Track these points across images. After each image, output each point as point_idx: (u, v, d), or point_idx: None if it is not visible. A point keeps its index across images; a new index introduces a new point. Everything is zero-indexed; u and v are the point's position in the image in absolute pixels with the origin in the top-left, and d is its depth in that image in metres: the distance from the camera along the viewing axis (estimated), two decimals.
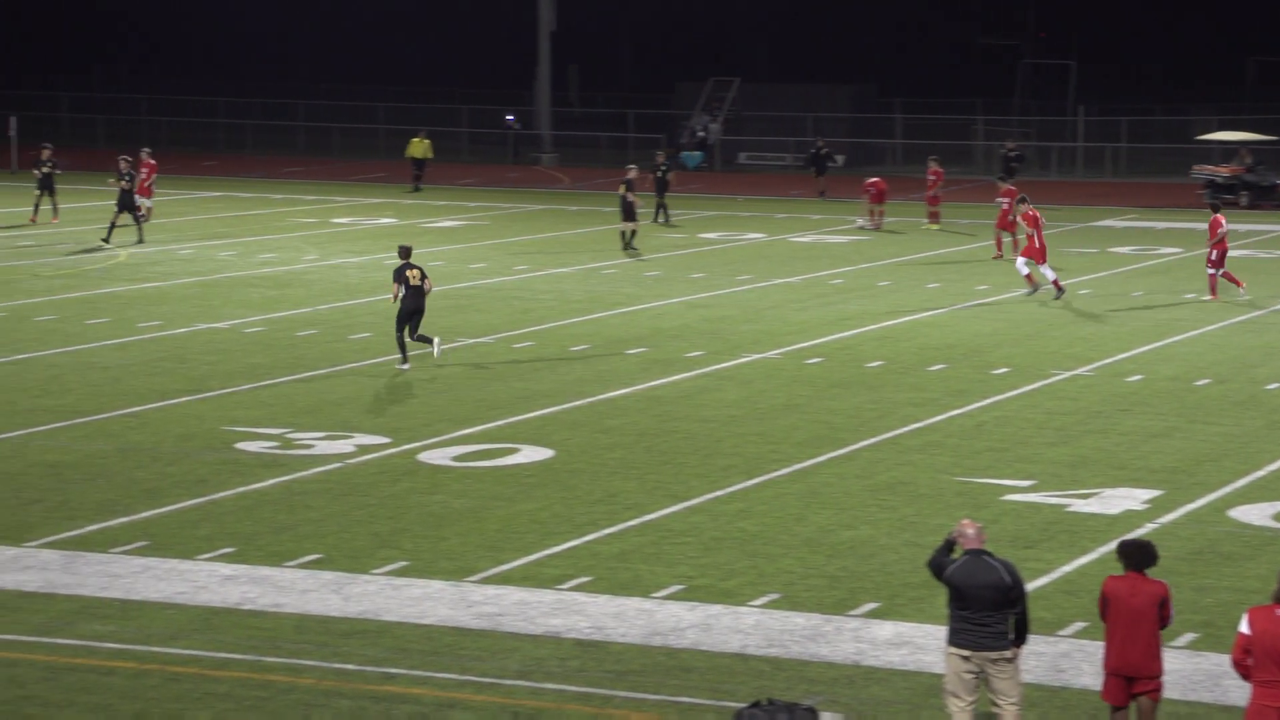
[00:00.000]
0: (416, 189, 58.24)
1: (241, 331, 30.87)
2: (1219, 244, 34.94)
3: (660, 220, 48.31)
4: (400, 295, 26.95)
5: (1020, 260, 35.78)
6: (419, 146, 59.27)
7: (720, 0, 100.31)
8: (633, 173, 43.35)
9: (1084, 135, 69.74)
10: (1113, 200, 57.49)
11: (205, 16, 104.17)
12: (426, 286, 27.09)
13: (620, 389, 26.15)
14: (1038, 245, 35.28)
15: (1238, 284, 35.27)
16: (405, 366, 27.26)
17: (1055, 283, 35.06)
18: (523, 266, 39.80)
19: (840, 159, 70.11)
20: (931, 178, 48.51)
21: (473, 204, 55.23)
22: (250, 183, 60.94)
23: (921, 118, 73.29)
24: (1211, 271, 35.22)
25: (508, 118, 74.06)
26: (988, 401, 25.49)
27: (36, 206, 46.15)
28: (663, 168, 49.39)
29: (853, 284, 37.56)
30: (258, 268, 38.98)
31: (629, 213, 42.35)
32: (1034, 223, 35.29)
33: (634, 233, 42.56)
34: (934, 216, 48.34)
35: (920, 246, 44.81)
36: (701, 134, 69.47)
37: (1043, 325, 32.40)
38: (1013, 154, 56.39)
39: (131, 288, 35.86)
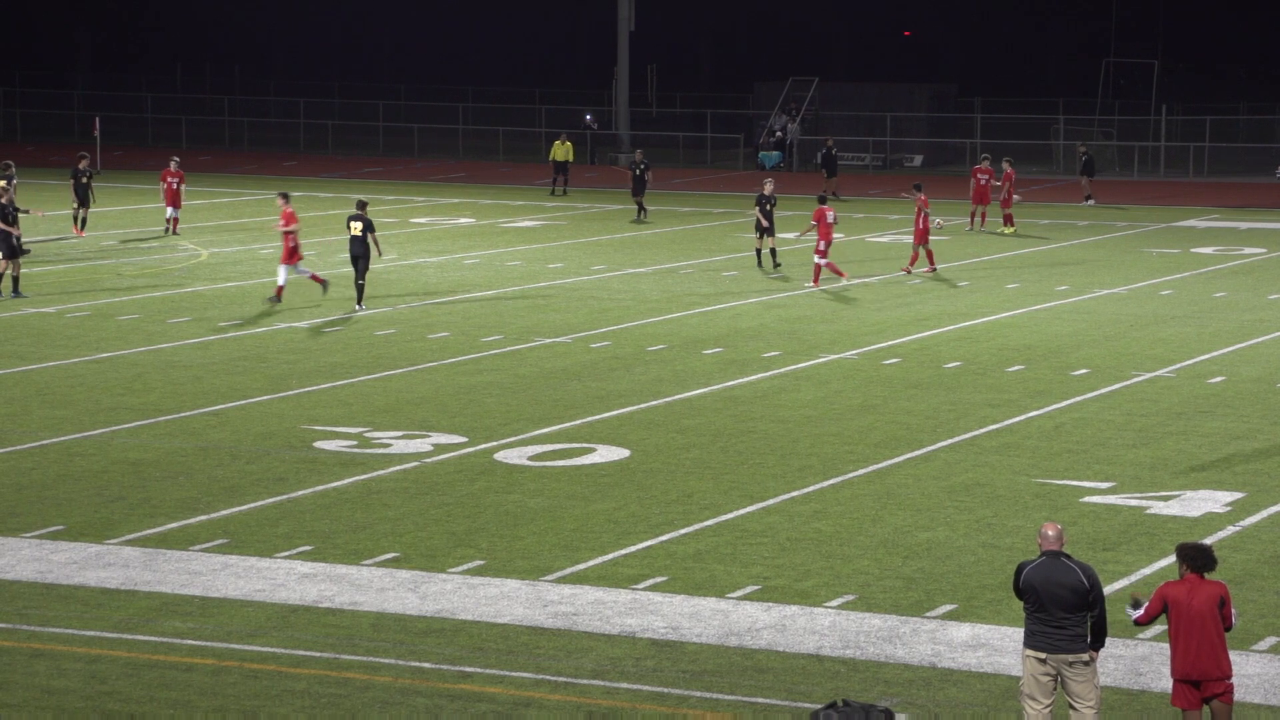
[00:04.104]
0: (564, 192, 57.81)
1: (321, 331, 31.07)
2: (825, 233, 36.39)
3: (639, 219, 49.24)
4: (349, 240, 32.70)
5: (281, 269, 33.38)
6: (561, 149, 58.39)
7: (800, 0, 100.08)
8: (769, 186, 39.48)
9: (1167, 135, 69.18)
10: (1195, 200, 56.99)
11: (287, 17, 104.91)
12: (370, 239, 32.38)
13: (697, 389, 26.15)
14: (291, 245, 33.18)
15: (840, 274, 36.80)
16: (358, 307, 32.91)
17: (279, 289, 33.26)
18: (600, 266, 39.86)
19: (919, 159, 69.94)
20: (1004, 181, 48.00)
21: (550, 204, 55.36)
22: (330, 183, 61.31)
23: (1002, 117, 72.91)
24: (818, 260, 36.60)
25: (586, 117, 74.20)
26: (1067, 403, 25.32)
27: (81, 219, 43.87)
28: (641, 166, 50.31)
29: (931, 284, 37.39)
30: (337, 267, 39.20)
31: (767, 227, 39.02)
32: (288, 221, 33.16)
33: (773, 249, 39.13)
34: (1008, 219, 47.91)
35: (999, 247, 44.58)
36: (780, 133, 69.37)
37: (1123, 326, 32.16)
38: (1083, 157, 56.03)
39: (213, 287, 36.16)
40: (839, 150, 59.68)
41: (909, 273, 38.53)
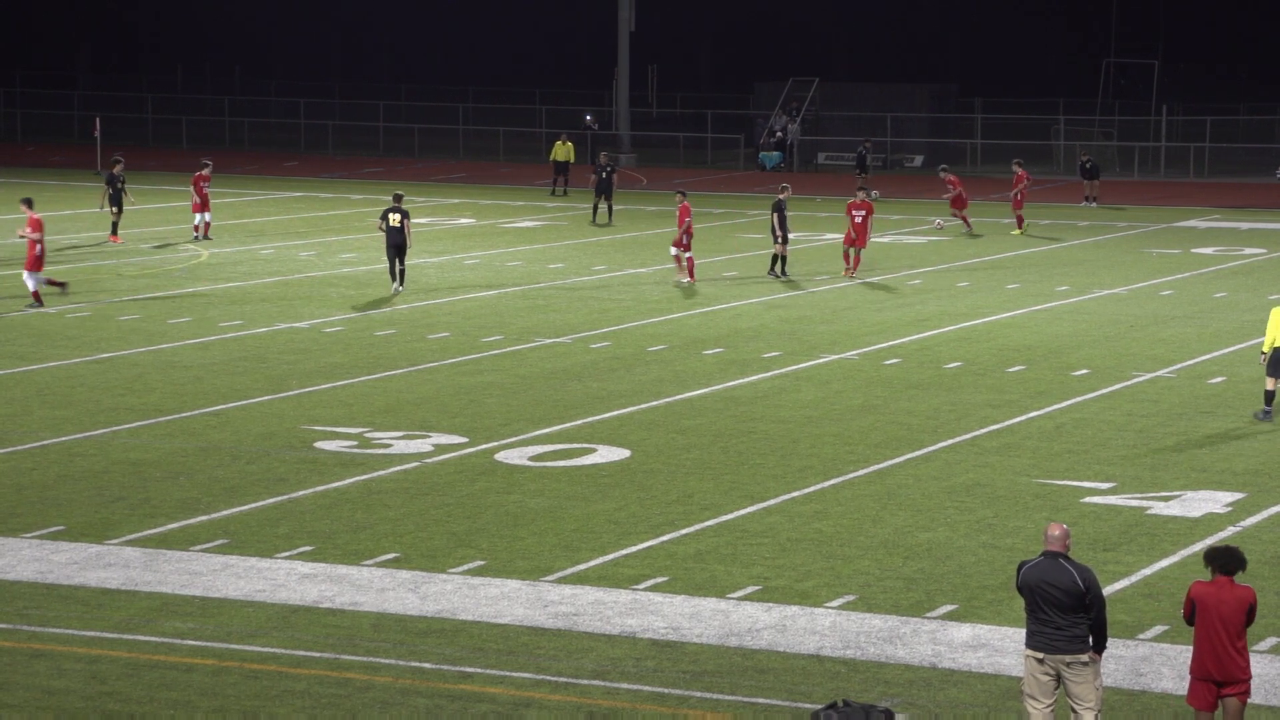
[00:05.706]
0: (564, 193, 57.61)
1: (321, 331, 31.08)
2: (686, 229, 36.80)
3: (598, 222, 48.93)
4: (384, 229, 35.03)
5: (26, 275, 32.88)
6: (562, 150, 58.21)
7: (800, 0, 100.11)
8: (786, 193, 38.72)
9: (1167, 135, 69.18)
10: (1196, 201, 56.99)
11: (287, 17, 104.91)
12: (406, 228, 34.74)
13: (697, 389, 26.15)
14: (36, 253, 32.56)
15: (686, 271, 36.88)
16: (398, 287, 35.08)
17: (35, 294, 32.70)
18: (601, 266, 39.87)
19: (919, 159, 69.94)
20: (1015, 184, 47.96)
21: (551, 204, 55.37)
22: (331, 183, 61.33)
23: (1002, 117, 72.91)
24: (675, 252, 37.08)
25: (586, 118, 74.19)
26: (1067, 403, 25.32)
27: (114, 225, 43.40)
28: (606, 169, 50.02)
29: (931, 285, 37.40)
30: (337, 267, 39.24)
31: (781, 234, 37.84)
32: (36, 227, 32.62)
33: (784, 257, 38.18)
34: (1019, 221, 47.83)
35: (999, 248, 44.59)
36: (780, 134, 69.37)
37: (1123, 327, 32.16)
38: (1086, 163, 56.04)
39: (213, 287, 36.17)
40: (868, 151, 60.45)
41: (852, 277, 38.04)
